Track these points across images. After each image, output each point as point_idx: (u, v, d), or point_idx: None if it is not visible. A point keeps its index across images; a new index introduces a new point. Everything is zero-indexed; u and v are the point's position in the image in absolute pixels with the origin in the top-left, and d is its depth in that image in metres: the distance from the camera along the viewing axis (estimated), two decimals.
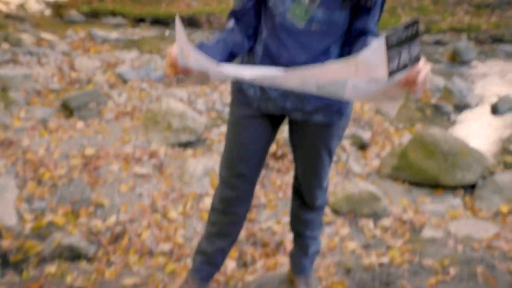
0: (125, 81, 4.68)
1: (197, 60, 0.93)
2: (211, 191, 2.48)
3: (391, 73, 0.81)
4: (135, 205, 2.40)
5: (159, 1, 10.30)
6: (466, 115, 4.24)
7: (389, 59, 0.78)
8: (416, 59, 0.81)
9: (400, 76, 0.83)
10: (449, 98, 4.46)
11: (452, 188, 2.67)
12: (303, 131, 1.32)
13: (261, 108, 1.28)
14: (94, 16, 10.08)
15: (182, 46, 0.92)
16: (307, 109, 1.23)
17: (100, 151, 2.92)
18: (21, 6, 11.80)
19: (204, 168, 2.56)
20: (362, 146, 3.18)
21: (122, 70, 4.85)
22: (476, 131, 3.84)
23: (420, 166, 2.67)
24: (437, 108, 4.33)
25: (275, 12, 1.14)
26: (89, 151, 2.92)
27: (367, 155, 3.10)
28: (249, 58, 1.28)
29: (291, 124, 1.37)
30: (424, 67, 0.86)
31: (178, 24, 0.91)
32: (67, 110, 3.75)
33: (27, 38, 6.33)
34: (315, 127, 1.29)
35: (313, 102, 1.20)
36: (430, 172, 2.65)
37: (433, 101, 4.51)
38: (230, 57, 1.18)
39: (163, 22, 9.36)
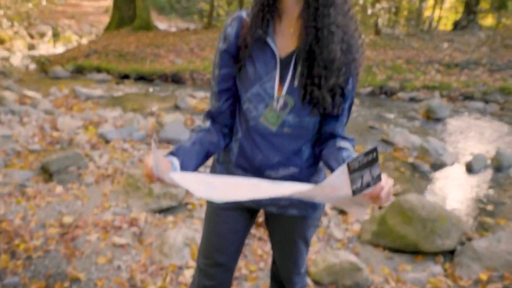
0: (107, 141, 4.69)
1: (171, 179, 0.98)
2: (192, 263, 2.44)
3: (355, 192, 0.87)
4: (112, 279, 2.33)
5: (144, 58, 10.57)
6: (442, 174, 4.35)
7: (352, 181, 0.85)
8: (378, 178, 0.88)
9: (365, 192, 0.89)
10: (426, 157, 4.60)
11: (432, 254, 2.69)
12: (278, 222, 1.35)
13: (237, 202, 1.31)
14: (79, 72, 10.24)
15: (157, 163, 0.97)
16: (282, 203, 1.28)
17: (78, 219, 2.87)
18: (6, 60, 11.93)
19: (184, 238, 2.53)
20: (343, 210, 3.21)
21: (105, 130, 4.87)
22: (453, 191, 3.93)
23: (399, 233, 2.69)
24: (414, 167, 4.44)
25: (249, 116, 1.19)
26: (67, 219, 2.86)
27: (348, 219, 3.12)
28: (225, 154, 1.32)
29: (267, 215, 1.40)
30: (386, 184, 0.91)
31: (153, 145, 0.96)
32: (47, 173, 3.71)
33: (10, 96, 6.35)
34: (290, 220, 1.32)
35: (288, 198, 1.25)
36: (409, 239, 2.67)
37: (410, 160, 4.63)
38: (206, 157, 1.22)
39: (147, 78, 9.56)
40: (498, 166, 4.51)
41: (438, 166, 4.48)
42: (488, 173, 4.40)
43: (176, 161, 1.09)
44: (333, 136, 1.21)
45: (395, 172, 4.29)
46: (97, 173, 3.75)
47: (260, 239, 2.75)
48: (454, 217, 2.81)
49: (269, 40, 1.13)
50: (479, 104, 7.59)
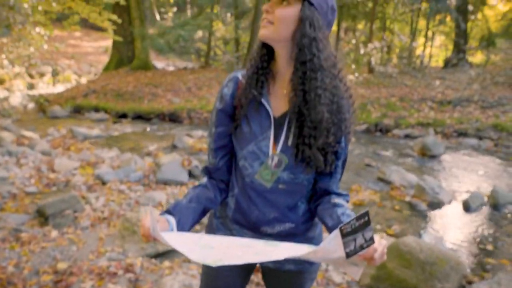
0: (104, 183, 4.69)
1: (165, 240, 1.00)
2: None
3: (349, 255, 0.90)
4: None
5: (142, 97, 10.72)
6: (440, 213, 4.34)
7: (345, 245, 0.88)
8: (371, 240, 0.90)
9: (359, 254, 0.92)
10: (422, 195, 4.61)
11: None
12: (275, 277, 1.35)
13: None
14: (77, 111, 10.35)
15: (154, 224, 0.99)
16: None
17: (73, 266, 2.82)
18: (5, 100, 12.05)
19: (181, 285, 2.49)
20: None
21: (102, 171, 4.87)
22: (451, 231, 3.91)
23: (398, 276, 2.66)
24: (411, 206, 4.44)
25: (245, 172, 1.22)
26: (62, 265, 2.82)
27: None
28: (222, 209, 1.34)
29: (263, 270, 1.40)
30: (379, 245, 0.93)
31: (150, 209, 1.00)
32: (42, 217, 3.68)
33: (7, 137, 6.38)
34: (287, 275, 1.32)
35: None
36: (409, 282, 2.64)
37: (407, 198, 4.64)
38: (203, 214, 1.24)
39: (145, 117, 9.66)
40: (494, 204, 4.52)
41: (435, 204, 4.49)
42: (485, 211, 4.40)
43: (172, 220, 1.10)
44: (328, 192, 1.23)
45: (392, 212, 4.28)
46: (93, 216, 3.73)
47: (258, 284, 2.71)
48: (453, 259, 2.79)
49: (263, 101, 1.17)
50: (473, 141, 7.69)
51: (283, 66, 1.15)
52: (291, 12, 1.07)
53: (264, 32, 1.09)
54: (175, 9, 25.05)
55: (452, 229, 3.95)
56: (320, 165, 1.15)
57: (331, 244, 0.89)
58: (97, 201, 4.11)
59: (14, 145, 6.12)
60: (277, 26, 1.08)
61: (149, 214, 1.00)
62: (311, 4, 1.07)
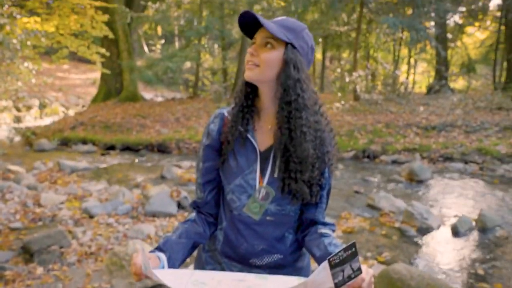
0: (91, 216, 4.62)
1: (157, 278, 1.01)
2: None
3: (338, 285, 0.92)
4: None
5: (130, 128, 10.72)
6: (429, 238, 4.36)
7: (334, 276, 0.90)
8: (359, 271, 0.93)
9: (347, 284, 0.94)
10: (411, 221, 4.63)
11: None
12: None
13: None
14: (64, 144, 10.27)
15: (146, 262, 1.00)
16: None
17: None
18: None
19: None
20: None
21: (89, 204, 4.81)
22: (441, 256, 3.92)
23: None
24: (401, 232, 4.45)
25: (233, 206, 1.25)
26: None
27: None
28: (211, 243, 1.35)
29: None
30: (367, 274, 0.96)
31: (141, 247, 1.00)
32: (27, 253, 3.60)
33: None
34: None
35: None
36: None
37: (397, 224, 4.65)
38: (193, 249, 1.25)
39: (133, 149, 9.63)
40: (482, 227, 4.56)
41: (424, 230, 4.50)
42: (474, 235, 4.43)
43: (163, 257, 1.11)
44: (314, 222, 1.26)
45: (382, 238, 4.29)
46: (80, 251, 3.65)
47: None
48: (444, 285, 2.79)
49: (249, 136, 1.22)
50: (459, 165, 7.81)
51: (268, 103, 1.21)
52: (276, 55, 1.13)
53: (250, 74, 1.15)
54: (163, 41, 25.48)
55: (442, 255, 3.95)
56: (306, 196, 1.18)
57: (320, 276, 0.91)
58: (84, 235, 4.04)
59: None
60: (263, 68, 1.13)
61: (140, 253, 1.00)
62: (294, 47, 1.13)
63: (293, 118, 1.13)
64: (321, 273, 0.91)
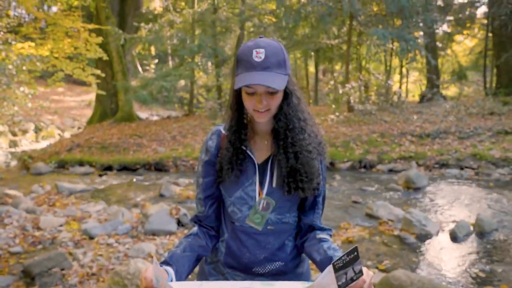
0: (91, 237, 4.62)
1: None
2: None
3: (341, 287, 0.98)
4: None
5: (127, 148, 10.75)
6: (428, 245, 4.38)
7: (338, 278, 0.97)
8: (360, 273, 1.00)
9: (350, 286, 1.00)
10: (410, 228, 4.66)
11: None
12: None
13: None
14: (61, 166, 10.26)
15: (158, 276, 1.03)
16: None
17: None
18: None
19: None
20: None
21: (88, 226, 4.81)
22: (441, 262, 3.94)
23: None
24: (400, 240, 4.48)
25: (234, 217, 1.31)
26: None
27: None
28: (213, 255, 1.39)
29: None
30: (367, 276, 1.02)
31: (154, 260, 1.03)
32: (28, 277, 3.59)
33: None
34: None
35: None
36: None
37: (396, 232, 4.68)
38: (197, 261, 1.29)
39: (130, 168, 9.64)
40: (480, 232, 4.60)
41: (423, 237, 4.53)
42: (473, 240, 4.47)
43: (171, 270, 1.16)
44: (312, 227, 1.33)
45: (382, 246, 4.31)
46: (81, 272, 3.65)
47: None
48: None
49: (247, 150, 1.28)
50: (455, 171, 7.88)
51: (263, 124, 1.28)
52: (280, 94, 1.21)
53: (265, 118, 1.21)
54: (156, 60, 25.69)
55: (442, 260, 3.98)
56: (309, 193, 1.27)
57: (325, 279, 0.98)
58: (84, 256, 4.03)
59: None
60: (273, 110, 1.21)
61: (153, 265, 1.03)
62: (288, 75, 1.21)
63: (298, 143, 1.23)
64: (326, 276, 0.98)
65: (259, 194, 1.27)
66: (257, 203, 1.26)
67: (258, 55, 1.14)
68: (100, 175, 9.15)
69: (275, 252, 1.31)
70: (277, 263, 1.31)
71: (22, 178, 9.03)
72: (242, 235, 1.30)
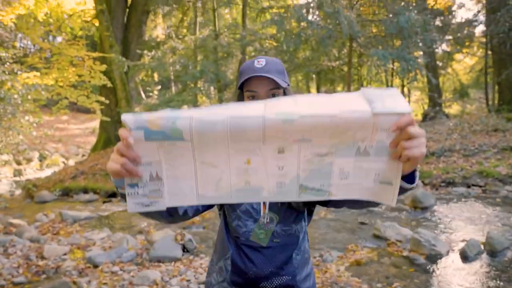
0: (95, 266, 4.56)
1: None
2: None
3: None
4: None
5: None
6: (439, 265, 4.29)
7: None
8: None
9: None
10: (419, 249, 4.57)
11: None
12: None
13: None
14: (66, 194, 10.25)
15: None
16: None
17: None
18: None
19: None
20: None
21: (93, 254, 4.75)
22: (453, 283, 3.84)
23: None
24: (410, 261, 4.38)
25: (239, 231, 1.29)
26: None
27: None
28: (218, 275, 1.36)
29: None
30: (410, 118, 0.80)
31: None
32: None
33: None
34: None
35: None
36: None
37: (405, 253, 4.59)
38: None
39: None
40: (491, 250, 4.50)
41: (433, 257, 4.44)
42: (484, 259, 4.37)
43: None
44: None
45: (392, 268, 4.22)
46: None
47: None
48: None
49: None
50: (462, 189, 7.79)
51: None
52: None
53: None
54: (159, 87, 26.00)
55: (454, 281, 3.88)
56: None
57: (351, 97, 0.80)
58: (89, 285, 3.97)
59: (1, 234, 5.98)
60: None
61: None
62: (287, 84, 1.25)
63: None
64: (353, 96, 0.80)
65: (262, 209, 1.26)
66: (261, 218, 1.26)
67: (259, 63, 1.21)
68: (104, 202, 9.12)
69: (282, 265, 1.28)
70: (284, 277, 1.29)
71: (26, 207, 9.00)
72: (247, 249, 1.28)
